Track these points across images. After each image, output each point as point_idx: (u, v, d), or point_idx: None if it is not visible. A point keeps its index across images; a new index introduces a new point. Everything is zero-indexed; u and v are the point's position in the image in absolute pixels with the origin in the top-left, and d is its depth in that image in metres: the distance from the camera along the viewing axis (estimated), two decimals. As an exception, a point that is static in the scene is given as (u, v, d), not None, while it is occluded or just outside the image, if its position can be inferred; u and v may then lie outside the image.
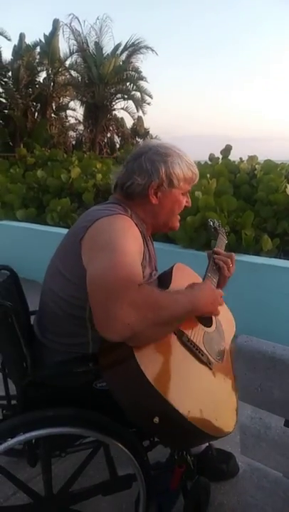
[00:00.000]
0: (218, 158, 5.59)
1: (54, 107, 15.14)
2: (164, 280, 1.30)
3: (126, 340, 0.93)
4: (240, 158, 5.55)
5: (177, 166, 1.24)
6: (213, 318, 1.32)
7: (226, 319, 1.42)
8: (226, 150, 5.56)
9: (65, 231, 4.58)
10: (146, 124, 16.31)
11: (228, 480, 1.59)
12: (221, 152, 5.55)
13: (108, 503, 1.43)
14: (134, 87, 15.45)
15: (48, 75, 14.45)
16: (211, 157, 5.79)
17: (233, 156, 5.61)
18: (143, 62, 15.85)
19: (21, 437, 1.05)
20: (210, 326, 1.27)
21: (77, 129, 16.15)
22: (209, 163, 5.57)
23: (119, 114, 16.58)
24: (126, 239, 1.06)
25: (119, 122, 16.57)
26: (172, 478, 1.23)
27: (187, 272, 1.46)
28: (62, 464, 1.51)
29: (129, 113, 16.12)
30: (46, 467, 1.13)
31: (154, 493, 1.18)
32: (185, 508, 1.31)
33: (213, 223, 1.73)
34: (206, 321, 1.26)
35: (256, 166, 4.64)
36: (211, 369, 1.12)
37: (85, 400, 1.10)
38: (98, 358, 1.05)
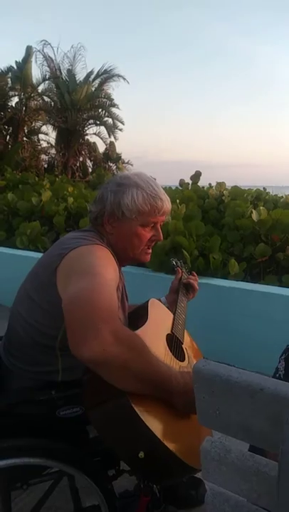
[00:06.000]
0: (188, 183, 5.74)
1: (26, 131, 15.16)
2: (140, 316, 1.27)
3: (92, 364, 0.92)
4: (209, 184, 5.73)
5: (128, 197, 1.21)
6: (186, 352, 1.34)
7: (195, 353, 1.44)
8: (196, 176, 5.74)
9: (34, 254, 4.52)
10: (118, 149, 16.56)
11: (197, 506, 1.57)
12: (191, 178, 5.72)
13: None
14: (106, 113, 15.75)
15: (20, 99, 14.54)
16: (181, 183, 5.94)
17: (203, 182, 5.79)
18: (115, 90, 16.17)
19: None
20: (183, 361, 1.28)
21: (49, 153, 16.18)
22: (180, 188, 5.72)
23: (92, 138, 16.78)
24: (105, 267, 1.06)
25: (92, 147, 16.74)
26: (138, 507, 1.20)
27: (161, 309, 1.46)
28: (28, 496, 1.45)
29: (101, 138, 16.35)
30: (5, 501, 1.08)
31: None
32: (152, 539, 1.28)
33: (176, 263, 1.85)
34: (179, 354, 1.28)
35: (224, 192, 4.80)
36: None
37: (47, 429, 1.07)
38: (83, 396, 1.02)
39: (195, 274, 1.76)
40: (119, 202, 1.22)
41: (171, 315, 1.44)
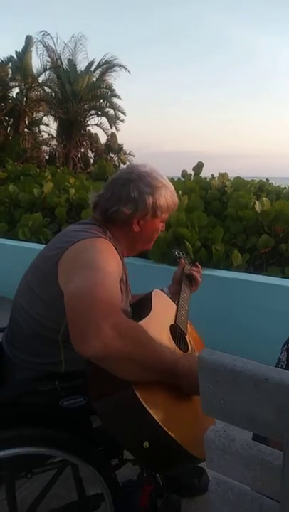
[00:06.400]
0: (191, 174, 5.70)
1: (27, 122, 15.07)
2: (144, 306, 1.28)
3: (95, 360, 0.92)
4: (212, 175, 5.68)
5: (163, 198, 1.26)
6: (189, 343, 1.34)
7: (198, 344, 1.45)
8: (198, 167, 5.68)
9: (36, 246, 4.50)
10: (119, 140, 16.46)
11: (200, 495, 1.59)
12: (193, 169, 5.67)
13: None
14: (108, 104, 15.64)
15: (20, 90, 14.44)
16: (184, 173, 5.90)
17: (205, 173, 5.74)
18: (116, 80, 16.03)
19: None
20: (186, 351, 1.29)
21: (50, 144, 16.11)
22: (182, 179, 5.68)
23: (93, 130, 16.69)
24: (107, 261, 1.06)
25: (93, 138, 16.65)
26: (141, 496, 1.21)
27: (165, 300, 1.47)
28: (32, 485, 1.47)
29: (102, 129, 16.26)
30: (10, 489, 1.09)
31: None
32: (155, 527, 1.29)
33: (178, 254, 1.85)
34: (183, 345, 1.28)
35: (226, 183, 4.76)
36: None
37: (51, 419, 1.08)
38: (87, 387, 1.03)
39: (199, 266, 1.75)
40: (156, 203, 1.25)
41: (175, 306, 1.44)
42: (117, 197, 1.24)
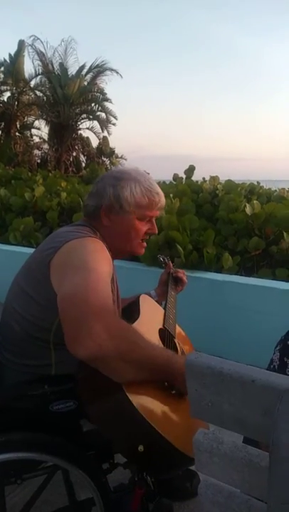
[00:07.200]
0: (182, 178, 5.72)
1: (18, 126, 15.06)
2: (132, 312, 1.29)
3: (89, 361, 0.92)
4: (203, 178, 5.71)
5: (127, 191, 1.23)
6: (178, 346, 1.34)
7: (187, 347, 1.45)
8: (190, 170, 5.70)
9: (28, 250, 4.49)
10: (111, 144, 16.48)
11: (192, 498, 1.58)
12: (185, 172, 5.69)
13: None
14: (99, 107, 15.66)
15: (12, 94, 14.43)
16: (175, 177, 5.92)
17: (197, 176, 5.76)
18: (108, 84, 16.07)
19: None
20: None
21: (42, 148, 16.09)
22: (174, 182, 5.70)
23: (85, 133, 16.69)
24: (99, 261, 1.07)
25: (85, 142, 16.65)
26: (132, 500, 1.21)
27: (152, 305, 1.48)
28: (23, 491, 1.45)
29: (94, 133, 16.27)
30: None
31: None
32: (146, 531, 1.29)
33: (163, 259, 1.87)
34: (172, 348, 1.28)
35: (218, 186, 4.79)
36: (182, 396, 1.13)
37: (41, 423, 1.07)
38: (80, 392, 1.03)
39: (181, 271, 1.78)
40: (118, 195, 1.23)
41: (162, 310, 1.45)
42: (89, 194, 1.31)
